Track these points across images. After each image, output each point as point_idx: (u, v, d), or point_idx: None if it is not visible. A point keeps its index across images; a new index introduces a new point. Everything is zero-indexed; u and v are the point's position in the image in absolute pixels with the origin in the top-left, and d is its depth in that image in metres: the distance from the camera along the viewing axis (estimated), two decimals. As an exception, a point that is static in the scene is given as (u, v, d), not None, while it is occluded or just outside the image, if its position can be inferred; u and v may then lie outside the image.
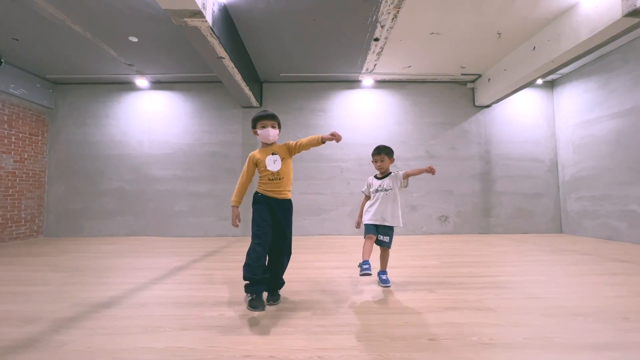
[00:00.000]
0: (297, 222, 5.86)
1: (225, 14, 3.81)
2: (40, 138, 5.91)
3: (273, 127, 2.22)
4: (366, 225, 2.58)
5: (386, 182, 2.55)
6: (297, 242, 4.99)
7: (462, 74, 5.89)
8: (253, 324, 1.77)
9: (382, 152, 2.59)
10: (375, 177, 2.66)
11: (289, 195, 2.23)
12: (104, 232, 5.91)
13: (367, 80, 6.05)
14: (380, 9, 3.85)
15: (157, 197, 5.97)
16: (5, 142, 5.27)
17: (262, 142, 2.27)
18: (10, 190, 5.34)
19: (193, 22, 3.18)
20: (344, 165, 6.00)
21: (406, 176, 2.52)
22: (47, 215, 5.97)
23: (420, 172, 2.48)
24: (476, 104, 6.14)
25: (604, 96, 5.14)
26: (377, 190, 2.56)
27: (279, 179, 2.16)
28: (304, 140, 2.17)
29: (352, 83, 6.17)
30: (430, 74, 5.87)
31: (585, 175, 5.50)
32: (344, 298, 2.23)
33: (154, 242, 5.18)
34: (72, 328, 1.73)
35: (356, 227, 2.75)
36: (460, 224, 5.97)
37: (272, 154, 2.19)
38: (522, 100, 6.19)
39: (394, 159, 2.64)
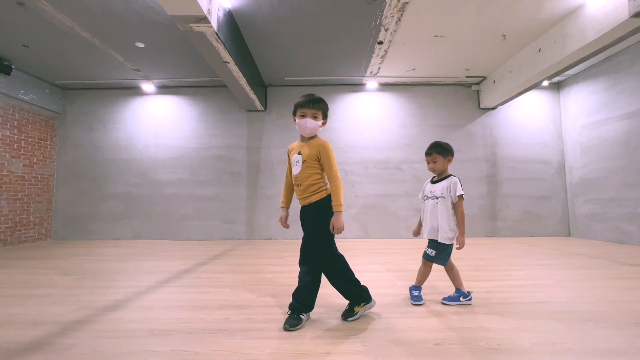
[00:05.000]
0: (302, 225, 5.86)
1: (230, 19, 3.85)
2: (49, 143, 6.00)
3: (314, 117, 1.82)
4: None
5: (439, 188, 2.12)
6: (302, 246, 4.99)
7: (466, 77, 5.87)
8: (258, 328, 1.77)
9: (434, 152, 2.13)
10: (432, 180, 2.23)
11: (314, 198, 1.82)
12: (111, 235, 5.97)
13: (372, 84, 6.06)
14: (384, 13, 3.86)
15: (163, 200, 6.01)
16: (15, 146, 5.37)
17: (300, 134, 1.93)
18: (20, 194, 5.42)
19: (198, 27, 3.22)
20: (348, 169, 6.00)
21: (455, 208, 2.09)
22: (55, 219, 6.04)
23: (460, 232, 2.07)
24: (481, 106, 6.11)
25: (612, 97, 5.08)
26: (427, 197, 2.19)
27: (297, 184, 1.86)
28: (337, 182, 1.79)
29: (357, 86, 6.17)
30: (434, 76, 5.86)
31: (593, 177, 5.42)
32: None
33: (160, 245, 5.21)
34: (79, 331, 1.74)
35: (414, 235, 2.33)
36: (467, 227, 5.90)
37: (299, 153, 1.85)
38: (528, 102, 6.14)
39: (451, 158, 2.15)
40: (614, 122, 5.06)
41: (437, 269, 3.13)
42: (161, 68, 5.38)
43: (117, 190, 6.06)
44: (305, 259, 1.82)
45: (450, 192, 2.08)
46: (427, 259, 2.17)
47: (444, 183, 2.12)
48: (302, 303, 1.78)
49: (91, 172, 6.11)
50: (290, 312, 1.81)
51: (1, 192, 5.12)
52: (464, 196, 2.07)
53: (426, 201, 2.20)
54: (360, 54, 4.96)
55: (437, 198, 2.12)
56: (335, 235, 1.87)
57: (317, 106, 1.82)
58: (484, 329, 1.73)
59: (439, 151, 2.13)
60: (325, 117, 1.88)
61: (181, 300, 2.27)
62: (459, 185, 2.07)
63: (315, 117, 1.82)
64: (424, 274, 2.21)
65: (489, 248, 4.59)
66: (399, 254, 4.12)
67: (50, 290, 2.57)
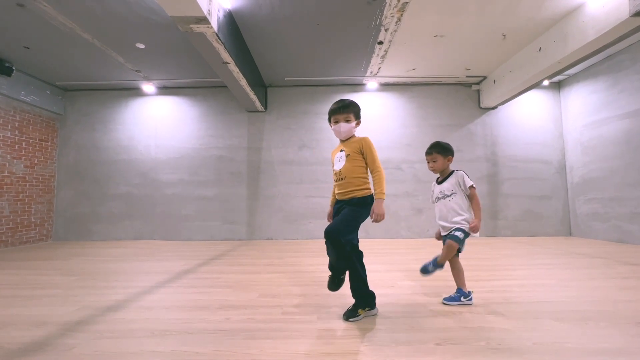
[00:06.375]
0: (302, 225, 5.87)
1: (230, 19, 3.86)
2: (50, 144, 6.02)
3: (347, 120, 1.92)
4: None
5: (447, 186, 2.13)
6: (304, 246, 5.00)
7: (467, 76, 5.87)
8: (258, 328, 1.77)
9: (434, 151, 2.17)
10: (437, 181, 2.25)
11: (358, 194, 1.85)
12: (112, 236, 5.98)
13: (372, 84, 6.06)
14: (384, 13, 3.86)
15: (164, 201, 6.02)
16: (16, 147, 5.38)
17: None
18: (21, 195, 5.43)
19: (199, 28, 3.23)
20: (349, 169, 5.98)
21: (470, 198, 2.10)
22: (56, 220, 6.05)
23: (476, 217, 2.06)
24: (482, 105, 6.10)
25: (613, 96, 5.07)
26: (438, 199, 2.19)
27: (341, 179, 1.90)
28: (381, 172, 1.85)
29: (357, 86, 6.17)
30: (435, 76, 5.86)
31: (594, 176, 5.41)
32: (350, 302, 2.20)
33: (161, 245, 5.21)
34: (80, 331, 1.75)
35: (436, 239, 2.33)
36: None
37: (341, 150, 1.95)
38: (528, 101, 6.13)
39: (451, 158, 2.18)
40: (614, 121, 5.05)
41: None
42: (161, 69, 5.39)
43: (118, 191, 6.07)
44: (336, 233, 1.75)
45: (461, 187, 2.10)
46: (448, 238, 2.10)
47: (450, 180, 2.14)
48: (360, 298, 1.89)
49: (92, 172, 6.12)
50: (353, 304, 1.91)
51: (2, 193, 5.13)
52: (474, 186, 2.09)
53: (438, 202, 2.19)
54: (361, 54, 4.96)
55: (448, 196, 2.12)
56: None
57: (347, 110, 1.92)
58: (485, 328, 1.72)
59: (440, 151, 2.17)
60: (357, 117, 1.98)
61: (182, 301, 2.27)
62: (466, 177, 2.10)
63: (347, 121, 1.93)
64: (457, 271, 2.18)
65: (490, 248, 4.58)
66: (400, 254, 4.12)
67: (52, 290, 2.57)
